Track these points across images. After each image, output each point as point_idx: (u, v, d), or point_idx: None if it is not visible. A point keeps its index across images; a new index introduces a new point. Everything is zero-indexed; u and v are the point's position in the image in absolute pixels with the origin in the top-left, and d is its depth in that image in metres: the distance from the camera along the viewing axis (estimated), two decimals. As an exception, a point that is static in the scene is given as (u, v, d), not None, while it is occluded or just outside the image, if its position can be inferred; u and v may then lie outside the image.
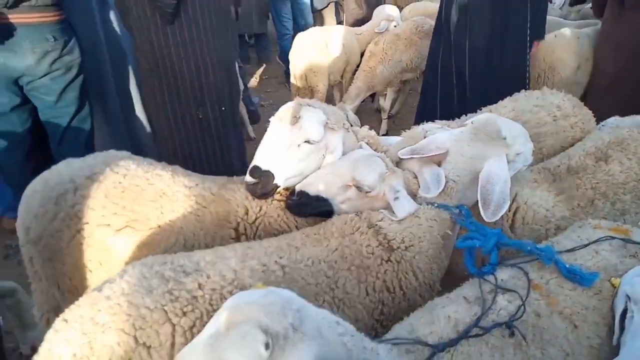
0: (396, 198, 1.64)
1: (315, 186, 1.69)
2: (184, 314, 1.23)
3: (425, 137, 1.80)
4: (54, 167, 1.75)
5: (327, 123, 1.74)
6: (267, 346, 0.90)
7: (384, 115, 4.62)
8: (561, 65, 3.56)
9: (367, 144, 1.82)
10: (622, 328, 1.26)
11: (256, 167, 1.68)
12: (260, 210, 1.76)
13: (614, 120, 2.17)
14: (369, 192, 1.68)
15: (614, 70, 3.33)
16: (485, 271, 1.44)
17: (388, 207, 1.68)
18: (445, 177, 1.66)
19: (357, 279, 1.53)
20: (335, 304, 1.48)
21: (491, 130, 1.68)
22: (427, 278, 1.62)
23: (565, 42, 3.59)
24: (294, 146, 1.69)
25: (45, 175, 1.73)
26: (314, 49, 4.07)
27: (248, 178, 1.69)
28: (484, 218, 1.59)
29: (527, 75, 3.22)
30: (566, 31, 3.67)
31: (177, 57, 2.47)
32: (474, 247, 1.50)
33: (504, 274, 1.41)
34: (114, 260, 1.68)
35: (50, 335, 1.19)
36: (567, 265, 1.36)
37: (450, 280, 1.72)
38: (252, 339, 0.91)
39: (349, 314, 1.51)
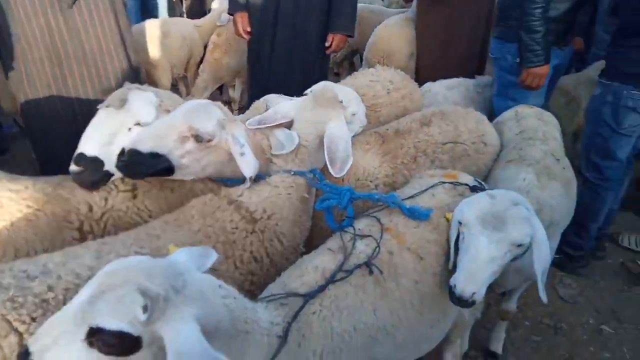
0: (242, 154, 1.67)
1: (147, 142, 1.56)
2: (33, 319, 1.12)
3: (267, 108, 1.91)
4: None
5: (160, 105, 1.73)
6: (145, 309, 0.89)
7: (235, 106, 4.66)
8: (397, 53, 3.88)
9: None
10: (457, 251, 1.55)
11: (81, 155, 1.60)
12: (106, 204, 1.66)
13: (429, 84, 2.57)
14: (210, 140, 1.65)
15: (431, 58, 3.72)
16: (345, 225, 1.61)
17: (232, 159, 1.69)
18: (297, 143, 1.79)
19: (224, 255, 1.56)
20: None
21: (329, 96, 1.86)
22: (291, 241, 1.73)
23: (398, 30, 3.92)
24: (124, 130, 1.65)
25: None
26: (152, 42, 3.90)
27: (72, 167, 1.60)
28: (333, 174, 1.77)
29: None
30: (398, 19, 4.00)
31: (79, 41, 2.35)
32: (330, 205, 1.66)
33: (360, 224, 1.60)
34: None
35: None
36: (408, 207, 1.60)
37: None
38: (130, 301, 0.89)
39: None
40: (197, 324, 0.95)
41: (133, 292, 0.91)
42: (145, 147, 1.55)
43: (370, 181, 2.06)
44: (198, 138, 1.62)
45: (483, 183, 1.88)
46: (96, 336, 0.90)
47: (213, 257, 1.17)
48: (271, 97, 2.06)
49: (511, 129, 2.40)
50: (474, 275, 1.42)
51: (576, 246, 3.04)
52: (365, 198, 1.68)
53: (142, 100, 1.70)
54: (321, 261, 1.42)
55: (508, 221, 1.44)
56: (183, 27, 4.24)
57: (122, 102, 1.66)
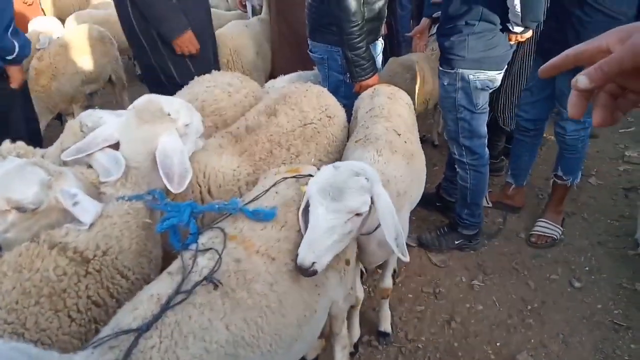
0: (75, 203, 1.52)
1: None
2: None
3: (82, 125, 1.73)
4: None
5: None
6: None
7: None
8: (243, 50, 4.06)
9: (16, 156, 1.62)
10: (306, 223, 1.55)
11: None
12: None
13: (270, 82, 2.60)
14: (36, 209, 1.50)
15: (284, 59, 4.02)
16: (189, 242, 1.50)
17: (68, 215, 1.55)
18: (126, 166, 1.65)
19: (52, 310, 1.37)
20: (31, 348, 1.29)
21: (153, 109, 1.74)
22: (138, 274, 1.59)
23: (239, 29, 4.15)
24: None
25: None
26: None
27: None
28: (171, 190, 1.66)
29: None
30: (237, 22, 4.27)
31: None
32: (171, 225, 1.55)
33: (203, 239, 1.51)
34: None
35: None
36: (251, 210, 1.55)
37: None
38: None
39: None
40: None
41: None
42: None
43: (233, 184, 2.01)
44: (21, 210, 1.45)
45: None
46: None
47: None
48: (86, 114, 1.87)
49: (365, 107, 2.50)
50: (313, 244, 1.45)
51: (473, 226, 3.22)
52: (207, 210, 1.60)
53: None
54: (157, 288, 1.30)
55: (345, 191, 1.48)
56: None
57: None
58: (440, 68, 2.88)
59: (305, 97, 2.35)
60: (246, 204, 1.62)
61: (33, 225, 1.51)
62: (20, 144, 1.72)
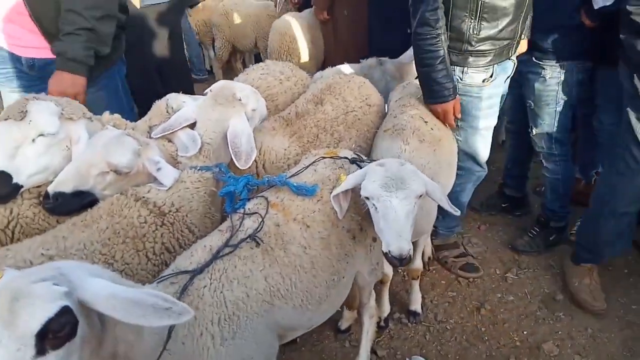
0: (159, 169, 1.78)
1: (69, 183, 1.67)
2: None
3: (167, 107, 2.01)
4: None
5: (62, 114, 1.76)
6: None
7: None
8: (299, 39, 4.28)
9: (113, 126, 1.93)
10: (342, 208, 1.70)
11: None
12: (11, 213, 1.69)
13: (319, 72, 2.81)
14: (129, 172, 1.78)
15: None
16: (238, 207, 1.73)
17: (151, 178, 1.81)
18: (201, 142, 1.90)
19: (134, 249, 1.64)
20: (117, 277, 1.56)
21: (228, 94, 1.98)
22: (202, 231, 1.82)
23: (296, 21, 4.32)
24: (28, 142, 1.67)
25: None
26: None
27: None
28: (239, 167, 1.90)
29: None
30: (294, 14, 4.47)
31: None
32: (229, 191, 1.78)
33: (250, 204, 1.73)
34: None
35: None
36: (296, 184, 1.74)
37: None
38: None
39: (134, 282, 1.63)
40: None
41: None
42: (68, 188, 1.65)
43: (283, 162, 2.21)
44: (117, 172, 1.73)
45: (361, 155, 2.06)
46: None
47: None
48: (172, 97, 2.14)
49: (396, 96, 2.59)
50: (403, 233, 1.52)
51: (564, 217, 3.19)
52: (259, 184, 1.81)
53: (43, 110, 1.71)
54: (210, 241, 1.53)
55: (405, 179, 1.59)
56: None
57: (22, 114, 1.67)
58: (540, 62, 2.73)
59: (348, 87, 2.51)
60: (288, 177, 1.82)
61: (124, 185, 1.79)
62: (116, 115, 2.02)
